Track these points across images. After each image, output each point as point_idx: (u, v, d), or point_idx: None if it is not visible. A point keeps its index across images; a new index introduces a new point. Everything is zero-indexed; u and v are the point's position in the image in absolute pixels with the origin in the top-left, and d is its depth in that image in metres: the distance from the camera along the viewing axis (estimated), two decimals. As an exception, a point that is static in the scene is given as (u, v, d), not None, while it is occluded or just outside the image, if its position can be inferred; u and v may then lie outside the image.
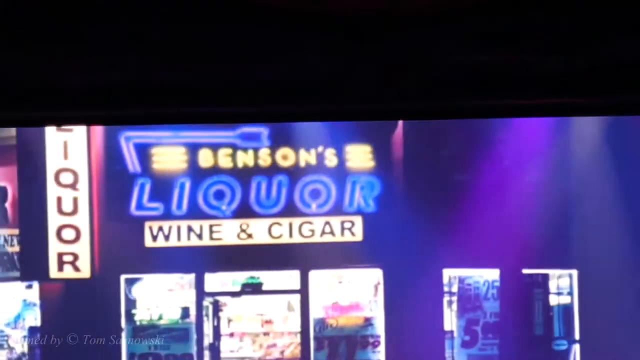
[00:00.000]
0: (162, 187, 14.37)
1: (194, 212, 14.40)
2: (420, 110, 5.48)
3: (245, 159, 14.49)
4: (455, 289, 15.62)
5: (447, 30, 3.86)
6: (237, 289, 15.32)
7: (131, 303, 14.71)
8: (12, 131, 14.06)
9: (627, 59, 3.90)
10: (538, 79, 4.01)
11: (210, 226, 14.43)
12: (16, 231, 14.50)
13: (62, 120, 6.56)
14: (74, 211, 14.06)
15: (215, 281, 15.09)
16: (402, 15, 3.71)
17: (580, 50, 3.90)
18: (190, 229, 14.38)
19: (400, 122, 14.46)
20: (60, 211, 14.07)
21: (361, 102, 4.48)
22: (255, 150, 14.49)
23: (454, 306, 15.67)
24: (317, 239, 14.80)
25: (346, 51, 3.89)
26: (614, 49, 3.90)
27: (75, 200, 14.04)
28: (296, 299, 15.12)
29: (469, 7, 3.73)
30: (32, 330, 14.55)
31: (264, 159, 14.51)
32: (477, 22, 3.85)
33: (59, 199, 14.04)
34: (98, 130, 14.05)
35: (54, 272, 14.20)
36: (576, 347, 15.77)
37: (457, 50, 3.87)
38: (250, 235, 14.67)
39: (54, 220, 14.09)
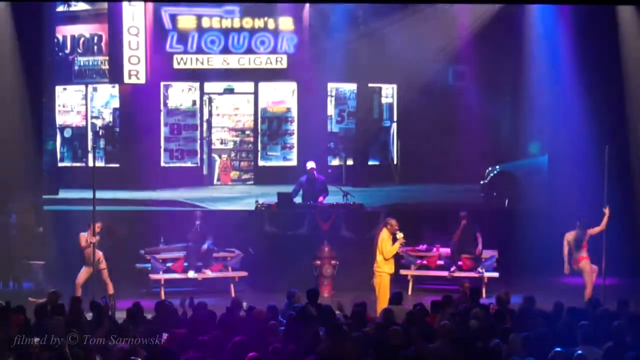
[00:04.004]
0: (183, 36, 23.24)
1: (199, 50, 23.34)
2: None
3: (226, 23, 23.34)
4: (333, 93, 24.57)
5: None
6: (221, 90, 24.04)
7: (165, 97, 23.89)
8: (105, 4, 23.50)
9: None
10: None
11: (208, 58, 23.43)
12: (107, 58, 23.59)
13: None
14: (137, 47, 23.06)
15: (210, 86, 23.84)
16: None
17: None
18: (197, 59, 23.46)
19: (307, 5, 23.14)
20: (129, 47, 22.98)
21: None
22: (232, 18, 23.34)
23: (333, 102, 24.60)
24: (263, 66, 23.37)
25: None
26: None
27: (137, 42, 22.96)
28: (252, 97, 24.02)
29: None
30: (115, 110, 24.12)
31: (236, 23, 23.36)
32: None
33: (129, 42, 22.94)
34: (150, 5, 23.07)
35: (126, 79, 23.09)
36: (395, 125, 25.26)
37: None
38: (228, 63, 23.47)
39: (126, 52, 22.92)
